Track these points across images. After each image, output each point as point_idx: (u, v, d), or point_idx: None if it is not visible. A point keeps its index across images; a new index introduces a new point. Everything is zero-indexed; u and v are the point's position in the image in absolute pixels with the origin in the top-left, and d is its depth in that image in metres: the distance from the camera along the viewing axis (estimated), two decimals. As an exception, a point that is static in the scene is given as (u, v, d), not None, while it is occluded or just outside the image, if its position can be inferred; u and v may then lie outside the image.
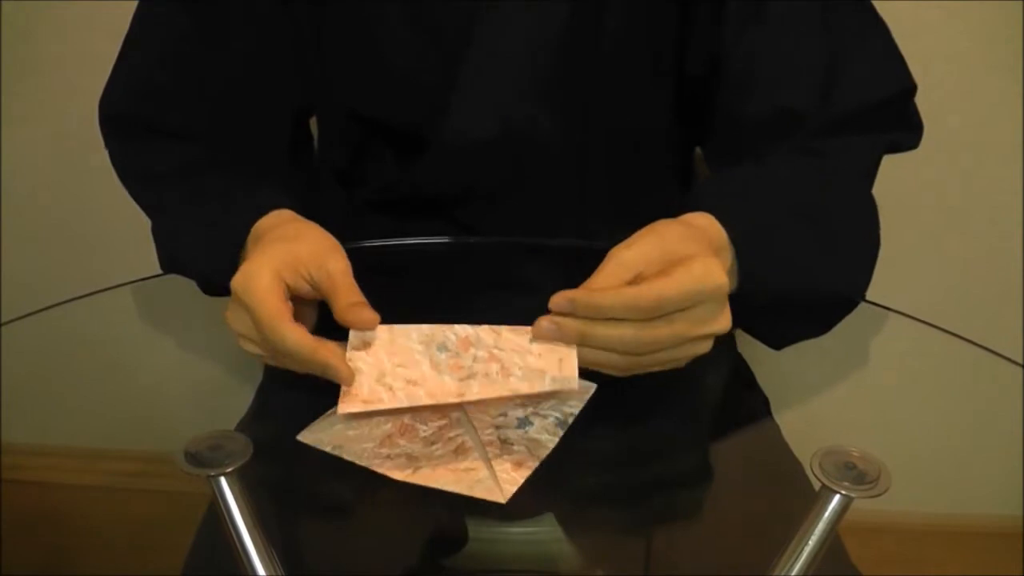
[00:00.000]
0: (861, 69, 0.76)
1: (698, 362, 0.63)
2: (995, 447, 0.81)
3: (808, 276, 0.70)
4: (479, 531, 0.65)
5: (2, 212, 1.31)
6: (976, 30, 1.11)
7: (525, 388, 0.60)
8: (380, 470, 0.62)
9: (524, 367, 0.60)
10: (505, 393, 0.60)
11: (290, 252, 0.63)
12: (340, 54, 0.82)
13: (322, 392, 0.65)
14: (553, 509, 0.66)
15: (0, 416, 0.73)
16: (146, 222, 0.81)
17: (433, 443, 0.64)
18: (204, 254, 0.73)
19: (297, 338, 0.60)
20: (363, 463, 0.62)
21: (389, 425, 0.63)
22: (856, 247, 0.74)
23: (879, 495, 0.54)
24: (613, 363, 0.61)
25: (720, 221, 0.66)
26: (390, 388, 0.60)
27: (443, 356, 0.62)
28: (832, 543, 0.55)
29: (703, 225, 0.65)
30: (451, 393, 0.60)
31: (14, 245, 1.33)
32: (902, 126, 0.79)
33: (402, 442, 0.63)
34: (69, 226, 1.34)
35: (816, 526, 0.55)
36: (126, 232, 1.08)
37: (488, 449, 0.63)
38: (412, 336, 0.63)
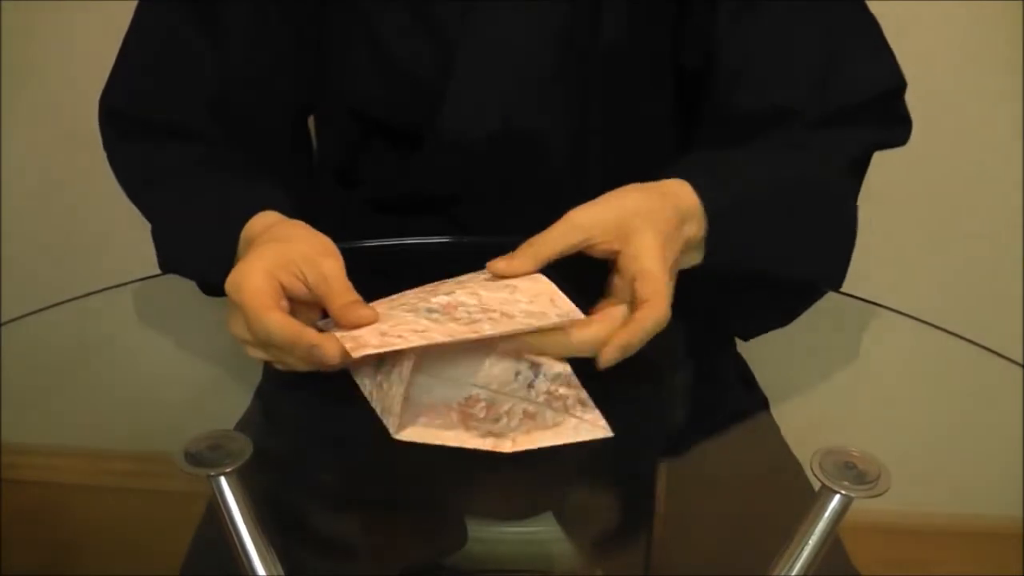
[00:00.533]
0: (855, 66, 0.77)
1: (698, 363, 0.63)
2: (995, 447, 0.81)
3: (774, 256, 0.72)
4: (479, 531, 0.65)
5: (2, 212, 1.31)
6: (976, 30, 1.11)
7: (536, 322, 0.60)
8: (485, 448, 0.61)
9: (523, 312, 0.61)
10: (520, 328, 0.60)
11: (284, 253, 0.63)
12: (339, 51, 0.82)
13: (321, 392, 0.65)
14: (553, 509, 0.66)
15: (0, 416, 0.73)
16: (146, 222, 0.81)
17: (498, 420, 0.63)
18: (199, 254, 0.73)
19: (280, 324, 0.59)
20: (471, 446, 0.62)
21: (455, 415, 0.63)
22: (827, 236, 0.75)
23: (879, 495, 0.54)
24: None
25: (696, 190, 0.67)
26: (400, 336, 0.59)
27: (436, 315, 0.62)
28: (832, 543, 0.55)
29: (675, 192, 0.67)
30: (465, 332, 0.60)
31: (14, 245, 1.33)
32: (890, 123, 0.80)
33: (473, 425, 0.63)
34: (69, 226, 1.34)
35: (816, 526, 0.55)
36: (126, 232, 1.08)
37: (554, 403, 0.63)
38: (398, 309, 0.63)
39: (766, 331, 0.80)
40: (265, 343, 0.61)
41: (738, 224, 0.68)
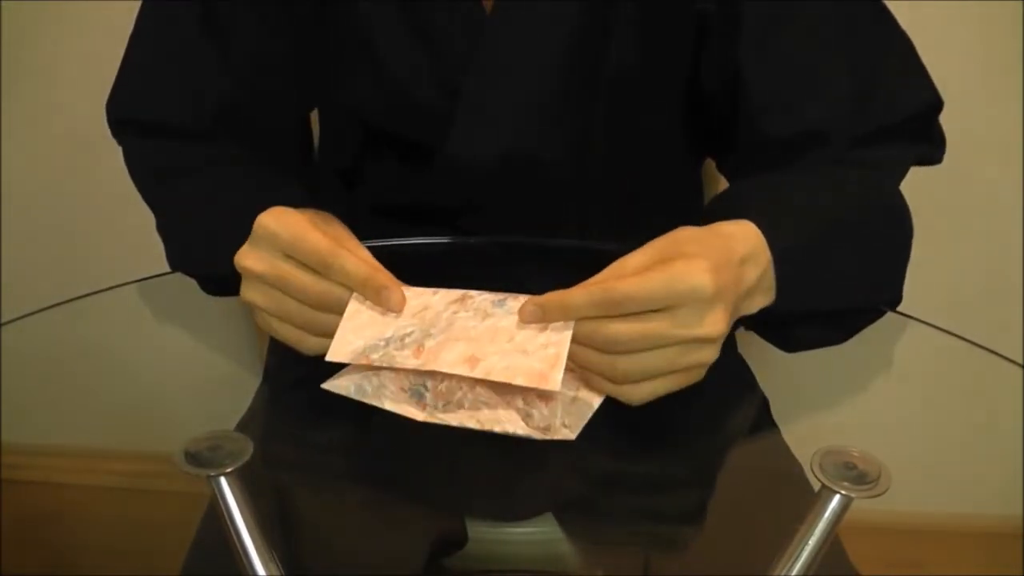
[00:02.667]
0: (890, 87, 0.75)
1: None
2: (995, 447, 0.81)
3: (843, 290, 0.70)
4: (479, 531, 0.65)
5: (2, 212, 1.31)
6: (976, 30, 1.11)
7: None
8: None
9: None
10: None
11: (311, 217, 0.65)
12: (342, 60, 0.82)
13: (322, 392, 0.65)
14: (553, 509, 0.66)
15: (0, 416, 0.73)
16: (147, 222, 0.81)
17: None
18: (215, 245, 0.73)
19: (355, 260, 0.63)
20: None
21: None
22: (892, 260, 0.73)
23: (879, 495, 0.54)
24: (592, 362, 0.61)
25: (764, 233, 0.64)
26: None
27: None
28: (832, 543, 0.55)
29: (731, 232, 0.64)
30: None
31: (14, 245, 1.33)
32: (929, 140, 0.79)
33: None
34: (69, 226, 1.34)
35: (816, 526, 0.55)
36: (126, 232, 1.08)
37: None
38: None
39: (821, 347, 0.75)
40: (327, 270, 0.63)
41: (806, 265, 0.66)
